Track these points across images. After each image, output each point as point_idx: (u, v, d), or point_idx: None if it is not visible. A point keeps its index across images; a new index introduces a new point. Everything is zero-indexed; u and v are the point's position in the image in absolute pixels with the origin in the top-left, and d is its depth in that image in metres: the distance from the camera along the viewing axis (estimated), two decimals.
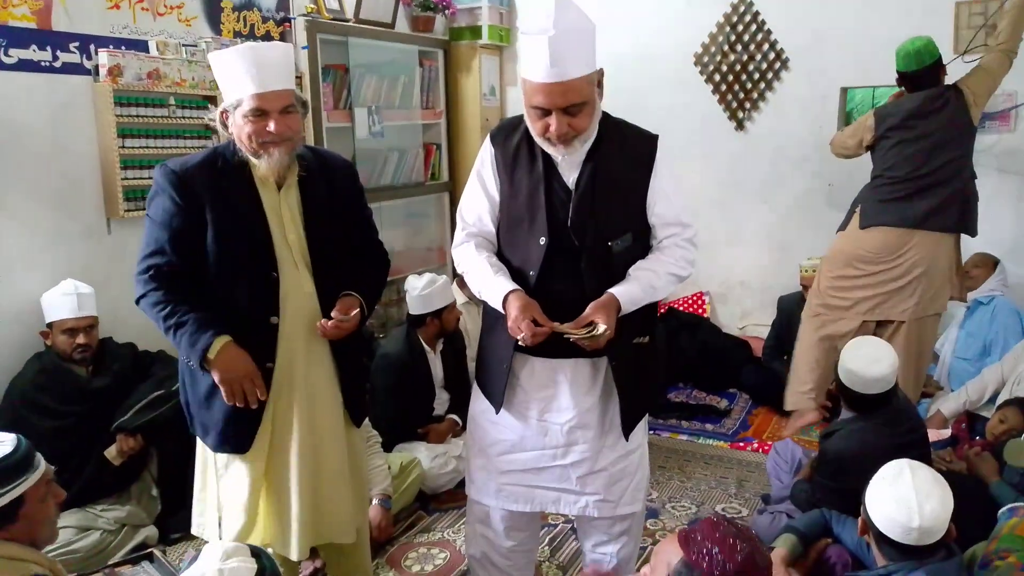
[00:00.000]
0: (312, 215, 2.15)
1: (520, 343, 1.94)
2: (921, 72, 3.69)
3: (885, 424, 2.73)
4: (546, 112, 1.91)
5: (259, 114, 2.02)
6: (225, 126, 2.09)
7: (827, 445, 2.82)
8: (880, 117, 3.81)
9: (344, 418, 2.28)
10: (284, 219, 2.13)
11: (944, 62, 3.76)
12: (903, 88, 3.79)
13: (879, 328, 3.79)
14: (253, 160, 2.08)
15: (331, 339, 2.17)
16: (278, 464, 2.20)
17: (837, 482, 2.66)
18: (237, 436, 2.14)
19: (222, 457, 2.21)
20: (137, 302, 2.12)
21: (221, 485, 2.24)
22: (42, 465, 1.84)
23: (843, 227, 3.93)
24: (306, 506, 2.20)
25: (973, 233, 3.77)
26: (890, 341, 3.62)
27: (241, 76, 2.01)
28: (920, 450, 2.78)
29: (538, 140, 1.99)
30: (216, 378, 2.04)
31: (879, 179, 3.80)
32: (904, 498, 1.95)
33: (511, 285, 1.99)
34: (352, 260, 2.29)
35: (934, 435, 3.45)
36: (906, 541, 1.94)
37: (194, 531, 2.37)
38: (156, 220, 2.08)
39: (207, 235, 2.06)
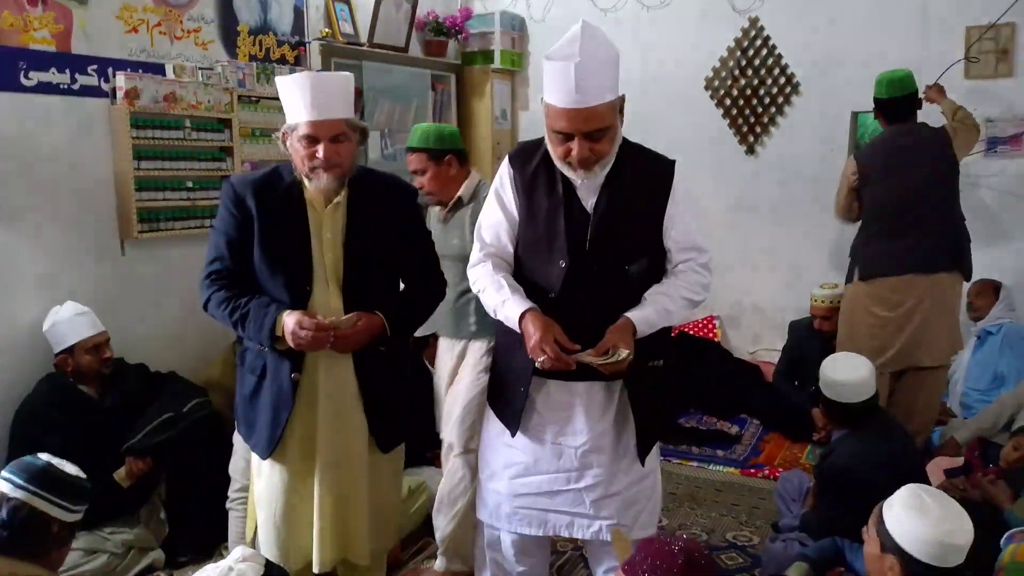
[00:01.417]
0: (352, 236, 2.21)
1: (538, 365, 1.95)
2: (902, 100, 3.62)
3: (877, 435, 2.81)
4: (568, 137, 1.94)
5: (310, 140, 2.12)
6: (285, 144, 2.20)
7: (824, 466, 2.87)
8: (862, 159, 3.70)
9: (369, 442, 2.28)
10: (324, 238, 2.20)
11: (937, 89, 3.81)
12: (880, 118, 3.72)
13: (896, 381, 3.69)
14: (305, 180, 2.19)
15: (343, 352, 2.18)
16: (303, 477, 2.24)
17: (842, 501, 2.67)
18: (268, 439, 2.22)
19: (256, 459, 2.30)
20: (205, 308, 2.25)
21: (256, 487, 2.34)
22: None
23: (848, 279, 3.82)
24: (327, 521, 2.22)
25: (968, 276, 3.68)
26: (905, 392, 3.64)
27: (300, 101, 2.11)
28: (916, 462, 2.90)
29: (558, 164, 2.02)
30: (294, 347, 2.11)
31: (871, 226, 3.68)
32: (939, 519, 1.92)
33: (528, 304, 2.01)
34: (396, 283, 2.33)
35: (947, 462, 3.41)
36: (945, 564, 1.92)
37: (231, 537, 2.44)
38: (217, 229, 2.24)
39: (254, 246, 2.18)
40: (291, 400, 2.18)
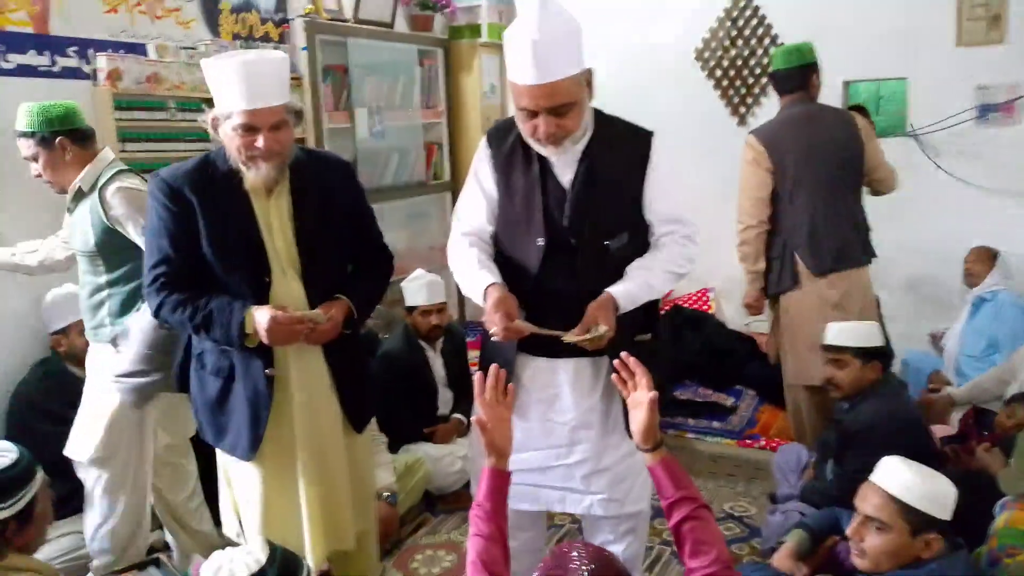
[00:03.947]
0: (301, 221, 2.14)
1: (492, 337, 1.94)
2: (796, 70, 3.31)
3: (896, 393, 2.88)
4: (533, 114, 1.91)
5: (248, 129, 2.00)
6: (216, 131, 2.07)
7: (849, 424, 2.81)
8: (771, 143, 3.28)
9: (344, 425, 2.27)
10: (272, 226, 2.12)
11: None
12: (780, 93, 3.43)
13: None
14: (243, 169, 2.07)
15: (316, 344, 2.14)
16: (286, 472, 2.21)
17: (860, 460, 2.60)
18: (251, 440, 2.15)
19: (234, 461, 2.23)
20: (156, 315, 2.13)
21: (236, 490, 2.27)
22: (40, 468, 1.93)
23: (786, 285, 3.38)
24: (316, 514, 2.20)
25: (871, 258, 3.43)
26: None
27: (232, 89, 1.97)
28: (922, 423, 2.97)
29: (529, 141, 2.00)
30: (267, 343, 2.03)
31: (803, 217, 3.30)
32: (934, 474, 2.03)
33: (492, 279, 1.98)
34: (348, 263, 2.29)
35: (941, 431, 3.42)
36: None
37: (224, 531, 2.39)
38: (154, 229, 2.10)
39: (201, 241, 2.07)
40: (269, 397, 2.12)
